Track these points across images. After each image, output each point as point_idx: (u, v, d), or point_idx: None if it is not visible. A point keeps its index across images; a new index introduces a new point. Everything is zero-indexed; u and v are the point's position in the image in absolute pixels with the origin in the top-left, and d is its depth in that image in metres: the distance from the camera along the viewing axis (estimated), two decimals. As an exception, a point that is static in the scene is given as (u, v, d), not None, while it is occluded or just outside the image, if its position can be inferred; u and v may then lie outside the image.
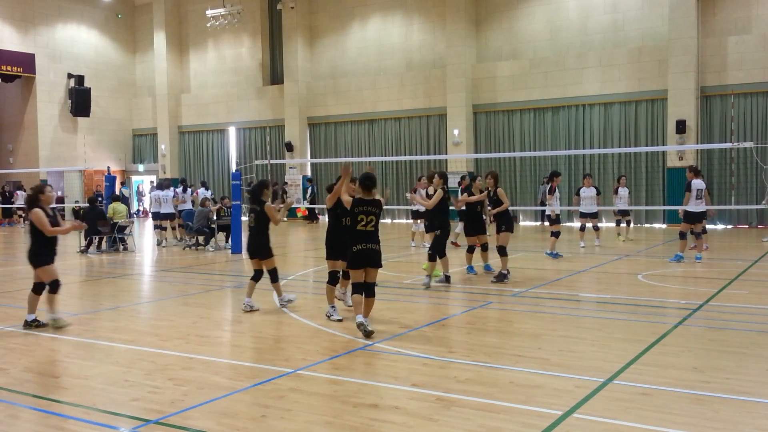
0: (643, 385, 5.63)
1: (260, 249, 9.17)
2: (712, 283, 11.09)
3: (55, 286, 8.25)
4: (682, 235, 13.70)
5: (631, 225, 19.18)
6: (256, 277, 9.23)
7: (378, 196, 7.85)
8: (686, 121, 21.84)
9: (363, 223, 7.63)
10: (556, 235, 14.62)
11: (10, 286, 11.98)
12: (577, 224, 18.52)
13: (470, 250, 12.39)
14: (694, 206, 13.60)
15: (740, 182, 21.46)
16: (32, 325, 8.25)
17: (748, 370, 6.05)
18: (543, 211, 22.59)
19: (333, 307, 8.50)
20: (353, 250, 7.62)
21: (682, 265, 13.01)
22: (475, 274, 12.10)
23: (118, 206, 17.69)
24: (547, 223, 19.63)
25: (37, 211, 8.15)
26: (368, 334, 7.34)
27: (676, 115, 22.08)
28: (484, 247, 12.22)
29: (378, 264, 7.72)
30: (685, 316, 8.37)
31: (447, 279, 10.94)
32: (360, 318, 7.45)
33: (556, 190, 15.09)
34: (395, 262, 14.18)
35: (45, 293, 8.24)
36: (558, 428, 4.72)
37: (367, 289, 7.65)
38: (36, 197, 8.31)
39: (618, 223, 18.42)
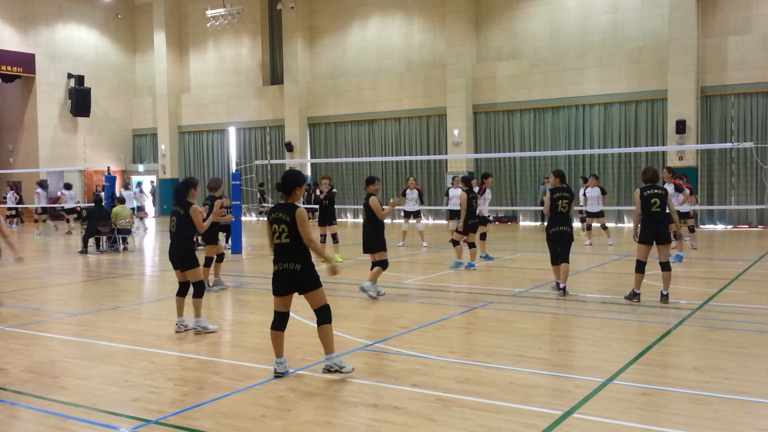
0: (643, 385, 5.63)
1: (182, 258, 7.92)
2: (712, 283, 11.09)
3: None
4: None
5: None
6: (182, 291, 8.03)
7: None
8: (686, 121, 21.83)
9: (277, 234, 6.00)
10: (483, 237, 14.61)
11: (10, 286, 11.97)
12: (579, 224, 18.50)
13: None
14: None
15: (740, 182, 21.46)
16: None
17: (748, 370, 6.05)
18: (542, 211, 22.56)
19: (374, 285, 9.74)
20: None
21: (683, 265, 13.02)
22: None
23: (122, 211, 17.51)
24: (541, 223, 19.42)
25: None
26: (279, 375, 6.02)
27: (676, 115, 22.07)
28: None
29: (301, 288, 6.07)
30: (685, 316, 8.37)
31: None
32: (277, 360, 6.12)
33: (486, 192, 15.29)
34: (395, 263, 14.17)
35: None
36: (558, 428, 4.72)
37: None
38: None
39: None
